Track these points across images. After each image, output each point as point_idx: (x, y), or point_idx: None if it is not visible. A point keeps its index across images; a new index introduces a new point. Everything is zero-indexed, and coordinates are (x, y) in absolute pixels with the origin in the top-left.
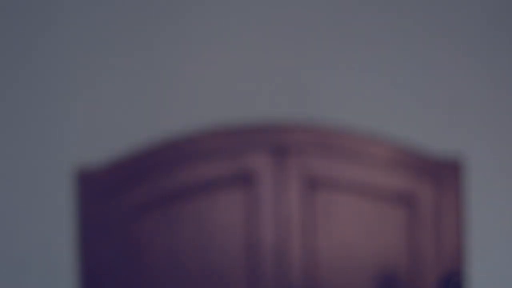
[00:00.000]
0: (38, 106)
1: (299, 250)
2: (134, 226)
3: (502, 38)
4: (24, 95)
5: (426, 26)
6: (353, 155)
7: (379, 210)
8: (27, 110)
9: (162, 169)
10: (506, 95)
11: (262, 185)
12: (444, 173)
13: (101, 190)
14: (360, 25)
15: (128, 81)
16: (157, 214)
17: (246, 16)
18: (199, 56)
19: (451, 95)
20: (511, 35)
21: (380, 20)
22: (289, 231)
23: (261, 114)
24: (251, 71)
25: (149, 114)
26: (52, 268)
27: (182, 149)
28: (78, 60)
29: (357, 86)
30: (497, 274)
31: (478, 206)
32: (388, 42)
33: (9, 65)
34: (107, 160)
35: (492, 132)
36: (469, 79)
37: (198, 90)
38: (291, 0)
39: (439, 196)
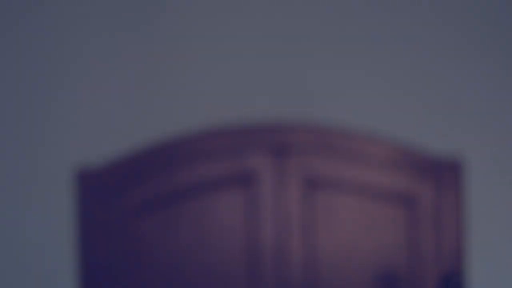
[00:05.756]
0: (38, 106)
1: (299, 250)
2: (134, 226)
3: (502, 38)
4: (25, 95)
5: (426, 26)
6: (353, 155)
7: (379, 210)
8: (27, 110)
9: (162, 169)
10: (505, 96)
11: (262, 185)
12: (444, 173)
13: (101, 190)
14: (361, 25)
15: (128, 81)
16: (157, 214)
17: (247, 17)
18: (200, 56)
19: (451, 95)
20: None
21: (380, 21)
22: (289, 231)
23: (261, 114)
24: (251, 71)
25: (150, 114)
26: (52, 268)
27: (182, 149)
28: (78, 60)
29: (357, 87)
30: (497, 274)
31: (478, 206)
32: (389, 43)
33: (9, 65)
34: (107, 160)
35: (492, 132)
36: (469, 80)
37: (198, 90)
38: (292, 1)
39: (439, 196)
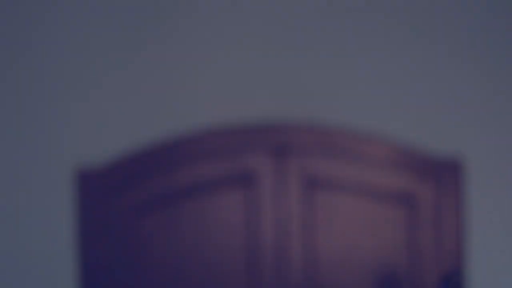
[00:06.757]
0: (38, 106)
1: (299, 250)
2: (134, 226)
3: (502, 38)
4: (25, 96)
5: (426, 26)
6: (353, 155)
7: (379, 210)
8: (28, 110)
9: (162, 169)
10: (505, 95)
11: (262, 185)
12: (444, 173)
13: (101, 190)
14: (360, 25)
15: (128, 81)
16: (157, 214)
17: (246, 17)
18: (200, 56)
19: (451, 95)
20: (511, 35)
21: (380, 21)
22: (289, 231)
23: (261, 114)
24: (251, 71)
25: (149, 114)
26: (52, 267)
27: (182, 149)
28: (78, 60)
29: (357, 87)
30: (497, 274)
31: (478, 206)
32: (388, 43)
33: (9, 65)
34: (107, 160)
35: (492, 132)
36: (469, 79)
37: (198, 90)
38: (291, 1)
39: (439, 196)
